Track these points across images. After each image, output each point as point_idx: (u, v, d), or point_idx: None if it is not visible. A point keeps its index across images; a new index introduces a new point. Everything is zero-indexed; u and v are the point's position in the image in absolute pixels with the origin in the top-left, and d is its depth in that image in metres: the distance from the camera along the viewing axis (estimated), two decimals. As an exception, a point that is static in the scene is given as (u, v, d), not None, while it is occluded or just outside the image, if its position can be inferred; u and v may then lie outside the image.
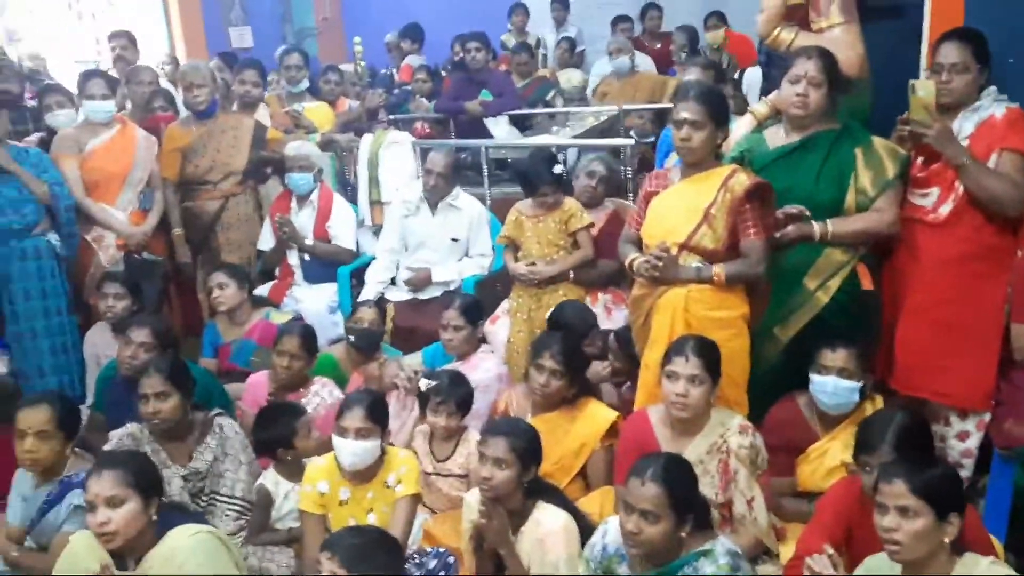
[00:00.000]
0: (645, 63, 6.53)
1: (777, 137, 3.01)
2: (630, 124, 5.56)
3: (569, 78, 6.57)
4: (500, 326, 3.89)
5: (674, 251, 2.76)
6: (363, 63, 5.73)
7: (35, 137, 4.54)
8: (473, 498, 2.62)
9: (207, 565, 2.33)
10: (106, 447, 2.97)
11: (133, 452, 2.65)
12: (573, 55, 7.21)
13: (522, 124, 5.79)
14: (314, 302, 4.37)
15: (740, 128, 3.18)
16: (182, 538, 2.36)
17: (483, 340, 3.74)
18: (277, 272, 4.58)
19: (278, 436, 2.90)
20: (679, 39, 6.47)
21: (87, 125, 4.26)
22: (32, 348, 3.93)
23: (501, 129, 5.57)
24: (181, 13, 6.94)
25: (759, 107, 3.23)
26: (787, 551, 2.58)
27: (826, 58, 2.87)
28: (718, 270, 2.73)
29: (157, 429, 2.95)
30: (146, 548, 2.34)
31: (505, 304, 3.95)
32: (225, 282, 3.91)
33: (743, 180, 2.72)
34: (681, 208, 2.78)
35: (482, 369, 3.51)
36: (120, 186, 4.23)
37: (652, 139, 5.19)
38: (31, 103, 4.94)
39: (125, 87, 4.76)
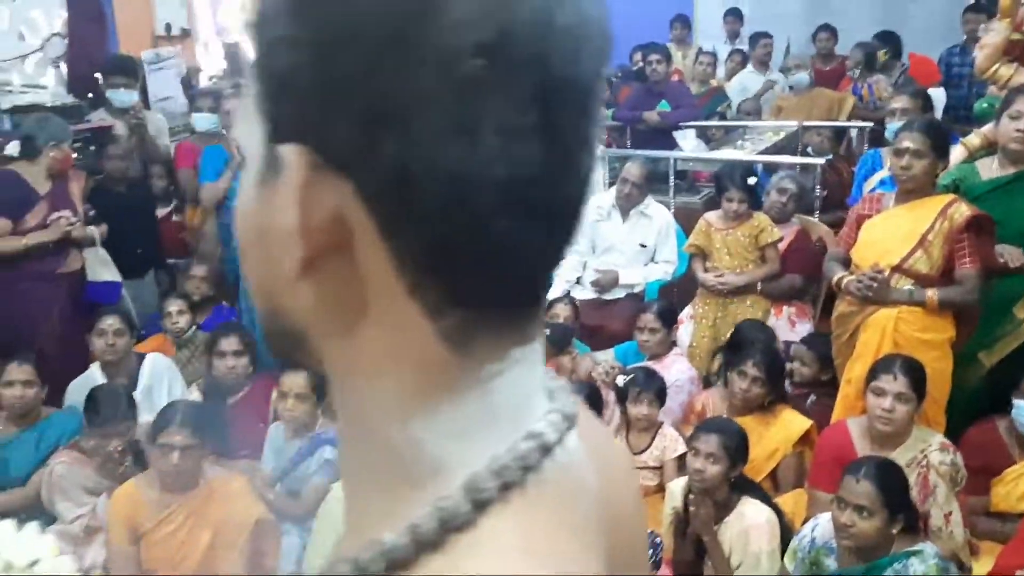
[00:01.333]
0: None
1: (990, 168, 3.12)
2: (808, 141, 5.64)
3: (744, 88, 6.70)
4: (683, 331, 4.11)
5: (886, 273, 2.92)
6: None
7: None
8: (677, 487, 2.87)
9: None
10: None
11: None
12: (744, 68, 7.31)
13: (706, 137, 5.96)
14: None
15: (952, 158, 3.29)
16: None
17: (674, 343, 3.97)
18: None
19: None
20: (855, 55, 6.49)
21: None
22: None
23: (688, 142, 5.75)
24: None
25: (972, 138, 3.33)
26: (979, 567, 2.71)
27: (1049, 96, 2.96)
28: (931, 294, 2.87)
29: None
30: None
31: (688, 309, 4.16)
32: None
33: (963, 210, 2.85)
34: (897, 232, 2.93)
35: (675, 370, 3.74)
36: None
37: (830, 156, 5.27)
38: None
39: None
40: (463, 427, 0.43)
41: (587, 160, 0.42)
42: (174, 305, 4.00)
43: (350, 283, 0.41)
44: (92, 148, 4.50)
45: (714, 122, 6.14)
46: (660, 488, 3.20)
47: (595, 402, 3.08)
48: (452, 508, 0.41)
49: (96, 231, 4.05)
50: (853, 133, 5.79)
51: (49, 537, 0.69)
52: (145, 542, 2.73)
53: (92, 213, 4.04)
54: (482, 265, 0.40)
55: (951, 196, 2.93)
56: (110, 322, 3.66)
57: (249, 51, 0.42)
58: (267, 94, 0.41)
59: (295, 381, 3.25)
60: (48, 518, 3.11)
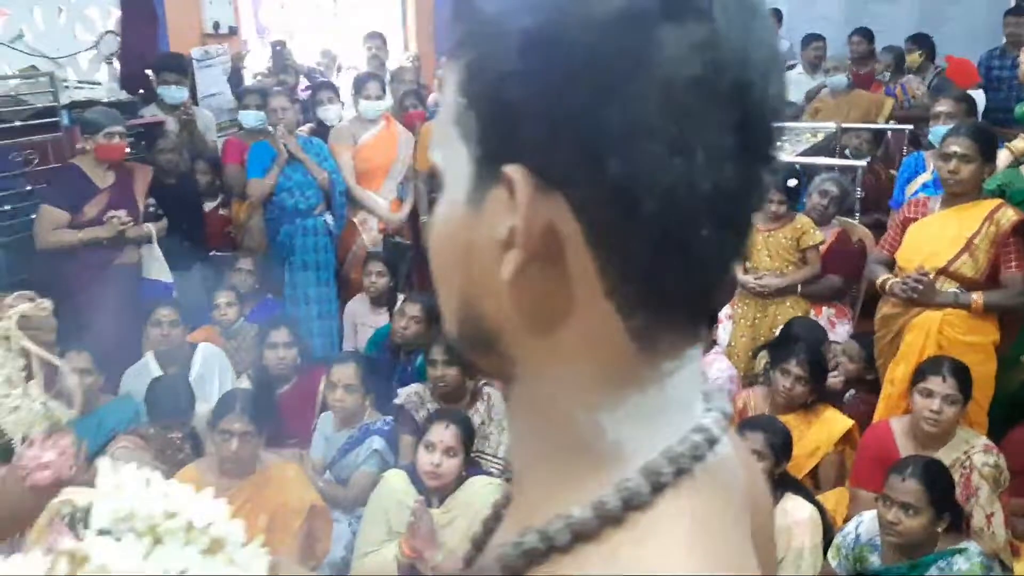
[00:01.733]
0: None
1: (1036, 173, 3.14)
2: (846, 143, 5.65)
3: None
4: (721, 330, 4.15)
5: (931, 276, 2.95)
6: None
7: (306, 127, 5.15)
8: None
9: (500, 511, 2.75)
10: (396, 401, 3.47)
11: (465, 415, 3.06)
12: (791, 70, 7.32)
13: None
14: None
15: (998, 162, 3.31)
16: (480, 486, 2.79)
17: (714, 342, 4.02)
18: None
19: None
20: (884, 59, 6.49)
21: (359, 120, 4.81)
22: (307, 313, 4.52)
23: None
24: (416, 12, 7.53)
25: (1018, 143, 3.35)
26: (1020, 567, 2.74)
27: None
28: (977, 298, 2.90)
29: (439, 391, 3.41)
30: (450, 492, 2.79)
31: (727, 309, 4.20)
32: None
33: (1010, 215, 2.88)
34: (943, 236, 2.97)
35: (715, 368, 3.79)
36: (384, 176, 4.77)
37: (868, 159, 5.28)
38: (303, 95, 5.57)
39: (388, 85, 5.31)
40: (641, 417, 0.49)
41: (768, 176, 0.48)
42: (223, 297, 4.10)
43: (555, 286, 0.47)
44: (143, 143, 4.60)
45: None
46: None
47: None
48: (634, 488, 0.46)
49: (153, 228, 4.14)
50: (890, 135, 5.79)
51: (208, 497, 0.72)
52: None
53: (151, 209, 4.13)
54: (677, 271, 0.46)
55: (997, 200, 2.96)
56: (165, 312, 3.77)
57: (466, 84, 0.48)
58: (491, 121, 0.47)
59: (344, 372, 3.35)
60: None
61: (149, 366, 3.72)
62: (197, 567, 0.66)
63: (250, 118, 4.74)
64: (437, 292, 0.54)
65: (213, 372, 3.82)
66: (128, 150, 4.25)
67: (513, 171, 0.45)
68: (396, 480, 2.87)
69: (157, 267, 4.19)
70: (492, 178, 0.47)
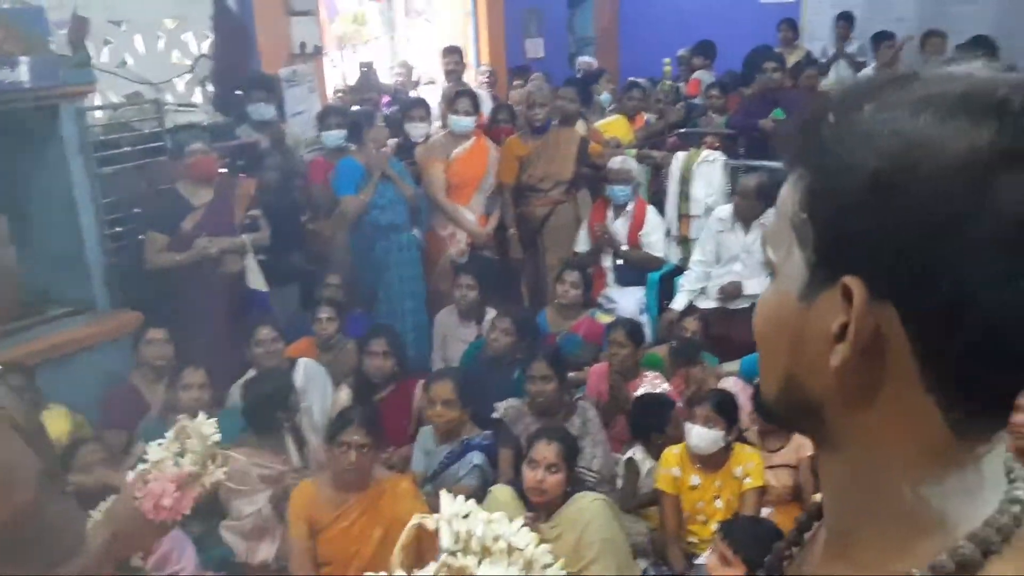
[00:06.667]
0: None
1: None
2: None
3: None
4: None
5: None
6: (669, 81, 6.10)
7: (393, 143, 5.29)
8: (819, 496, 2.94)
9: (606, 528, 2.82)
10: (494, 415, 3.56)
11: (567, 432, 3.14)
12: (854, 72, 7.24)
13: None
14: (626, 303, 4.82)
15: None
16: (586, 502, 2.86)
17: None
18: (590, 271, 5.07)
19: (652, 423, 3.36)
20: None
21: (451, 135, 4.92)
22: (399, 326, 4.64)
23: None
24: (489, 26, 7.64)
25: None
26: None
27: None
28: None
29: (536, 405, 3.49)
30: (556, 507, 2.86)
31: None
32: (576, 281, 4.43)
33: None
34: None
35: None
36: (474, 190, 4.88)
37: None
38: (386, 111, 5.72)
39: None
40: (962, 492, 0.57)
41: None
42: (324, 312, 4.25)
43: (877, 377, 0.56)
44: (239, 162, 4.78)
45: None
46: (796, 487, 3.27)
47: (731, 410, 3.17)
48: (968, 554, 0.55)
49: (248, 239, 4.30)
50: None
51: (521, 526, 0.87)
52: (322, 537, 2.94)
53: (248, 222, 4.28)
54: (994, 377, 0.54)
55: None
56: (265, 332, 3.93)
57: (807, 202, 0.57)
58: (832, 238, 0.56)
59: (443, 388, 3.46)
60: (220, 515, 3.37)
61: (254, 380, 3.87)
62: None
63: (332, 138, 4.88)
64: (759, 359, 0.64)
65: (314, 385, 3.95)
66: (224, 169, 4.42)
67: (851, 281, 0.54)
68: (503, 495, 2.95)
69: (253, 277, 4.36)
70: (827, 281, 0.56)
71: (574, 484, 2.96)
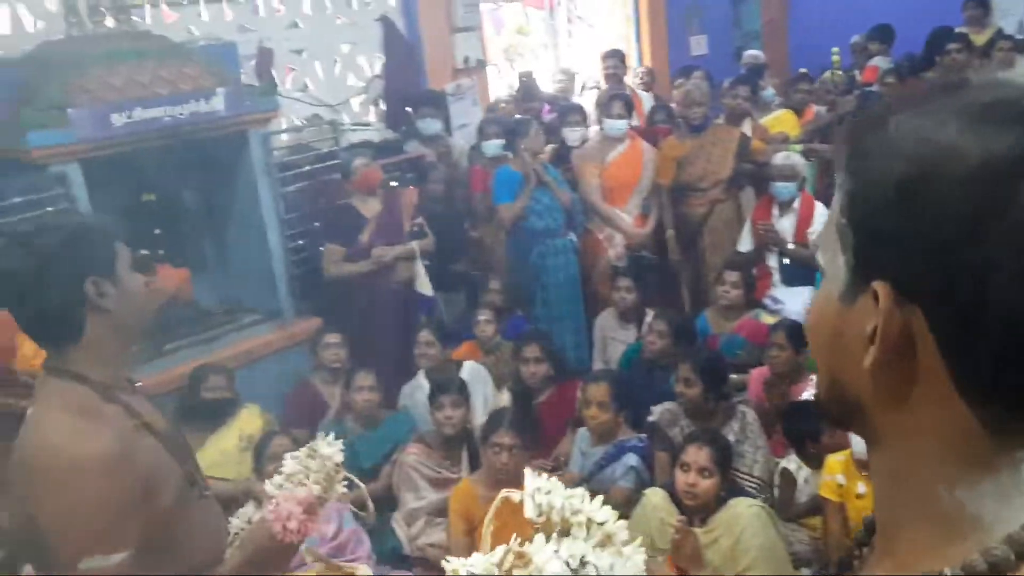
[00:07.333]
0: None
1: None
2: None
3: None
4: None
5: None
6: (840, 71, 5.84)
7: (550, 148, 5.38)
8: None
9: (762, 534, 2.77)
10: (650, 418, 3.57)
11: (722, 436, 3.14)
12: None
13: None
14: (793, 304, 4.65)
15: None
16: (743, 507, 2.82)
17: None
18: (754, 272, 4.94)
19: (808, 431, 3.25)
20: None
21: (605, 139, 4.97)
22: (558, 328, 4.75)
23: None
24: (650, 25, 7.61)
25: None
26: None
27: None
28: None
29: (688, 409, 3.47)
30: (711, 512, 2.84)
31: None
32: (737, 281, 4.35)
33: None
34: None
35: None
36: (630, 193, 4.90)
37: None
38: (546, 119, 5.83)
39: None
40: (998, 496, 0.57)
41: None
42: (482, 315, 4.42)
43: (907, 376, 0.57)
44: (409, 176, 5.04)
45: None
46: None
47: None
48: (1001, 556, 0.55)
49: (416, 246, 4.50)
50: None
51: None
52: (478, 534, 3.07)
53: (415, 229, 4.50)
54: (1020, 377, 0.54)
55: None
56: (424, 335, 4.16)
57: (848, 208, 0.60)
58: (867, 242, 0.58)
59: (598, 390, 3.50)
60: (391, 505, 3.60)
61: (421, 383, 4.09)
62: (593, 557, 0.87)
63: (491, 147, 5.03)
64: (815, 360, 0.67)
65: (477, 386, 4.11)
66: (394, 183, 4.69)
67: (879, 286, 0.56)
68: (657, 498, 2.96)
69: (421, 282, 4.57)
70: (863, 285, 0.58)
71: (731, 489, 2.93)
